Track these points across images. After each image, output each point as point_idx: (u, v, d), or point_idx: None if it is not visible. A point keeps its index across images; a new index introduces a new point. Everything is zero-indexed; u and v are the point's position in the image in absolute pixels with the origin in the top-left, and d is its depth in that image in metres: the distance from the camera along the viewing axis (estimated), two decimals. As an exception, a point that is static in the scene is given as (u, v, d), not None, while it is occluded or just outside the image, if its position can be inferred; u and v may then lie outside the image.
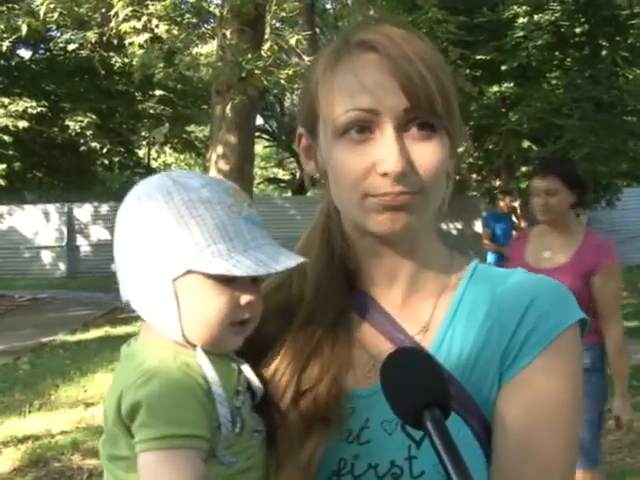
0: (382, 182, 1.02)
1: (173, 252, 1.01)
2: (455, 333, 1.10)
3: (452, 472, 0.83)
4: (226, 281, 1.01)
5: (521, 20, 16.34)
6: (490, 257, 10.74)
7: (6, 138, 18.79)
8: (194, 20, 11.08)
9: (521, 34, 16.20)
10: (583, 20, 16.86)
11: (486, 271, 1.16)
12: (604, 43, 17.54)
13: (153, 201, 1.03)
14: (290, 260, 1.03)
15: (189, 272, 1.01)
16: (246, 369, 1.09)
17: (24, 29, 8.94)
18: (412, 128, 1.03)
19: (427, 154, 1.03)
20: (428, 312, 1.12)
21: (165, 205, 1.02)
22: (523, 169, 18.90)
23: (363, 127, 1.03)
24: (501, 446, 1.05)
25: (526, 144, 18.72)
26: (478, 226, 20.06)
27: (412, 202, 1.03)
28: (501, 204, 11.12)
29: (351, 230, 1.14)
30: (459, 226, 22.02)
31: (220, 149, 8.95)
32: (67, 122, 19.14)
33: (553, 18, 16.26)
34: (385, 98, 1.01)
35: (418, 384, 0.89)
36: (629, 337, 10.32)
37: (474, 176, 21.07)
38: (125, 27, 8.16)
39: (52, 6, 8.89)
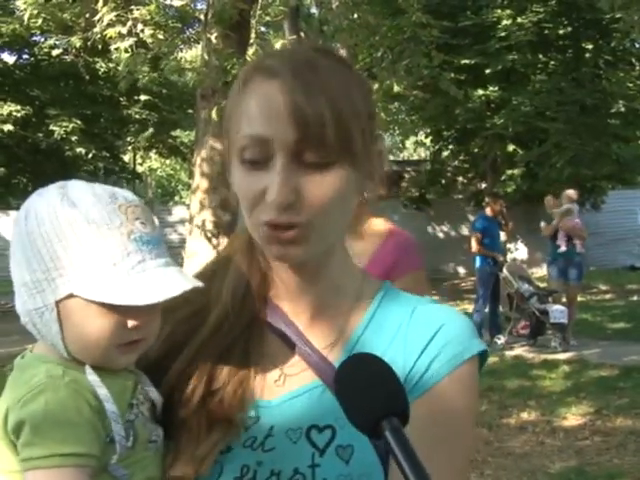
0: (269, 209, 1.01)
1: (55, 275, 0.99)
2: (362, 350, 1.08)
3: None
4: (110, 304, 0.98)
5: (504, 22, 16.44)
6: (478, 261, 10.72)
7: (-10, 144, 18.75)
8: (179, 25, 11.05)
9: (503, 34, 16.30)
10: (566, 22, 17.00)
11: (396, 295, 1.17)
12: (587, 46, 17.68)
13: (39, 220, 1.00)
14: (176, 287, 1.00)
15: (71, 296, 0.98)
16: (144, 380, 1.08)
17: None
18: (305, 159, 1.01)
19: (317, 186, 1.02)
20: (337, 329, 1.13)
21: (49, 225, 0.99)
22: (509, 172, 18.99)
23: (260, 152, 1.02)
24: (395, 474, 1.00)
25: (511, 147, 18.80)
26: (464, 229, 20.11)
27: (299, 236, 1.02)
28: (487, 210, 10.97)
29: None
30: (445, 229, 22.09)
31: (205, 153, 8.89)
32: (52, 127, 19.05)
33: (536, 19, 16.37)
34: (278, 128, 1.00)
35: (376, 393, 0.87)
36: (616, 339, 10.41)
37: (460, 179, 21.15)
38: (110, 32, 8.13)
39: (36, 12, 8.84)
